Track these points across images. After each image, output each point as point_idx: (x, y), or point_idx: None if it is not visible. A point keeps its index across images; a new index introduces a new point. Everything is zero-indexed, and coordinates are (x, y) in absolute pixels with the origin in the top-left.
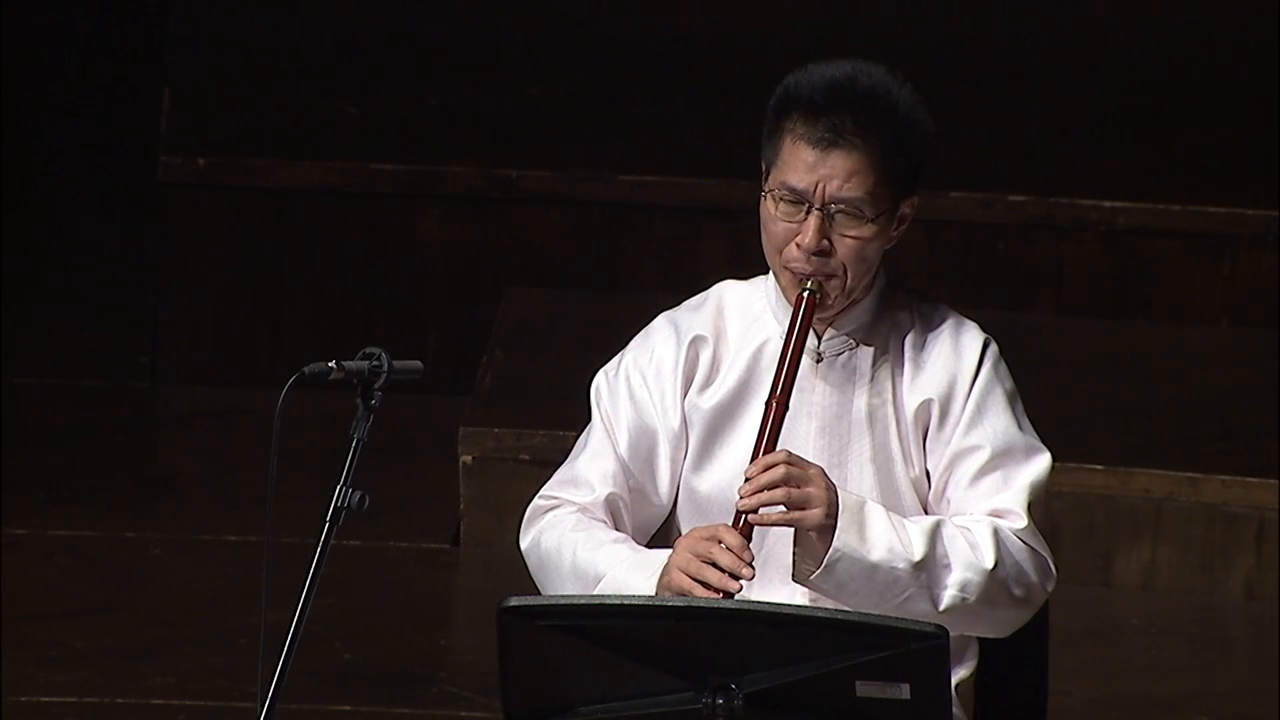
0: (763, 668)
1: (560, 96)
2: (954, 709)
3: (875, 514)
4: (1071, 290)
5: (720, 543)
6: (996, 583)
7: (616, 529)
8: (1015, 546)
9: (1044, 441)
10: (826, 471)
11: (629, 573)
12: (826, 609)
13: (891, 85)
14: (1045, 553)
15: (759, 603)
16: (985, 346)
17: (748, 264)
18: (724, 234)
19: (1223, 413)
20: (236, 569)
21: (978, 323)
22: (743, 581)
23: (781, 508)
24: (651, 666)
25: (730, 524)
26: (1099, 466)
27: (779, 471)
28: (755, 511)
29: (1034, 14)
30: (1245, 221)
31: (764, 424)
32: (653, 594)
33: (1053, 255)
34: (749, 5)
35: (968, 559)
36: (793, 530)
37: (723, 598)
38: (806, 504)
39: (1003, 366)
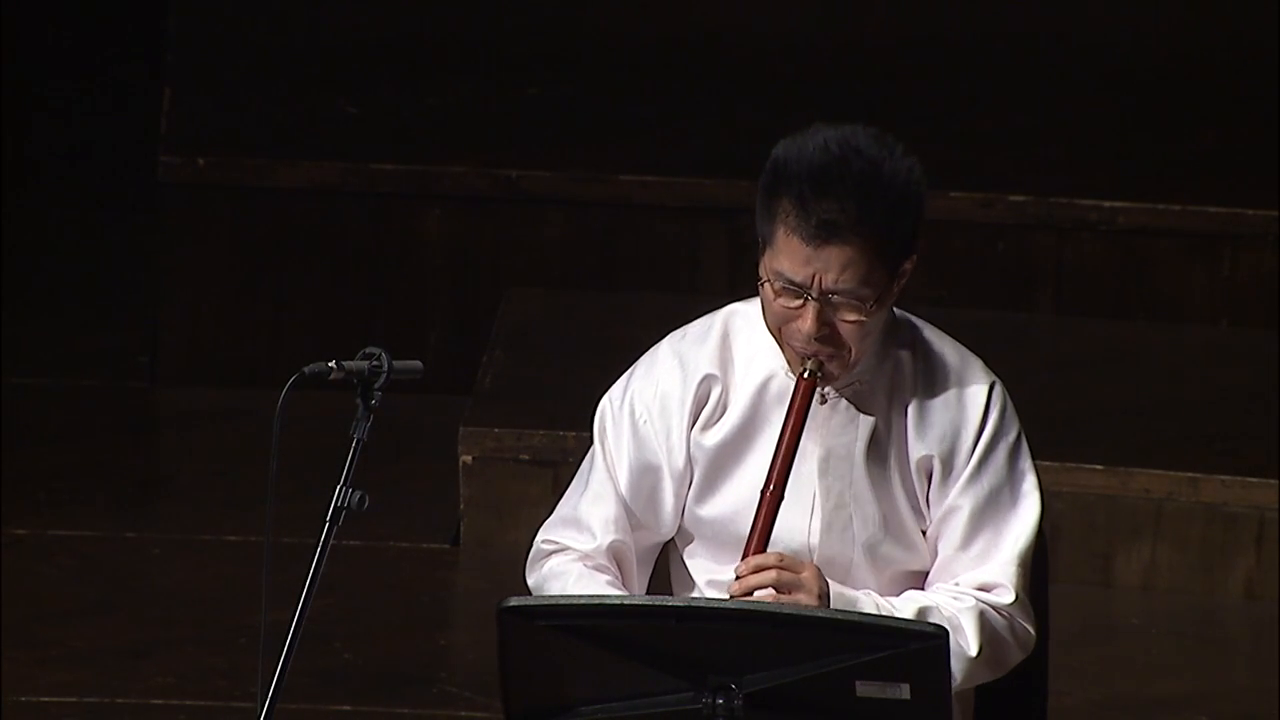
0: (763, 668)
1: (560, 96)
2: (954, 710)
3: (866, 610)
4: (1071, 290)
5: None
6: (978, 666)
7: (621, 573)
8: (999, 625)
9: (1043, 443)
10: (830, 514)
11: None
12: (827, 609)
13: (882, 162)
14: (1029, 624)
15: (759, 602)
16: (990, 393)
17: (747, 264)
18: (724, 234)
19: (1223, 413)
20: (236, 569)
21: (978, 326)
22: None
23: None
24: (651, 666)
25: None
26: (1099, 466)
27: (769, 576)
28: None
29: (1034, 14)
30: (1245, 221)
31: (757, 516)
32: None
33: (1053, 255)
34: (749, 5)
35: (953, 649)
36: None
37: None
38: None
39: (1009, 412)
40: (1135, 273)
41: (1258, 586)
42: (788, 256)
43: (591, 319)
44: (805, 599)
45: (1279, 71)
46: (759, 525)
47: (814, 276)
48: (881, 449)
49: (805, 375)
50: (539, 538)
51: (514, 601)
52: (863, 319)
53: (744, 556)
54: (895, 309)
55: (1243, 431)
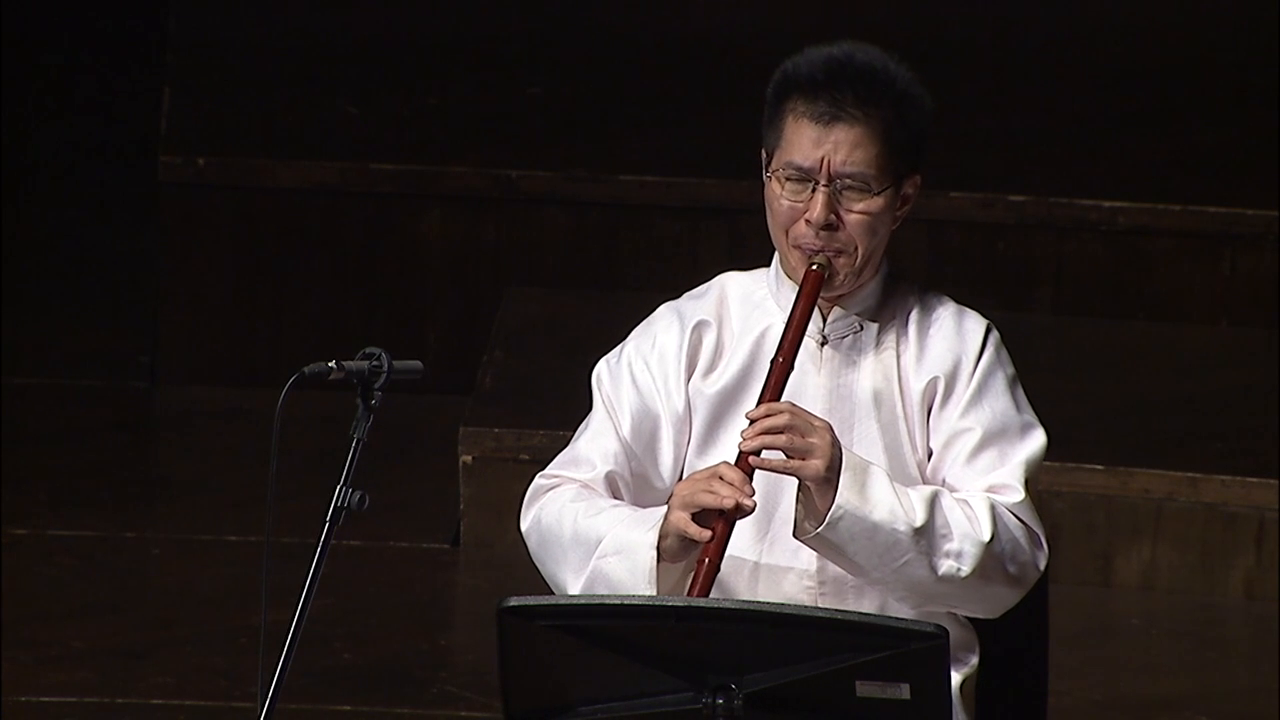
0: (763, 668)
1: (560, 96)
2: (957, 709)
3: (878, 476)
4: (1071, 290)
5: (720, 478)
6: (992, 557)
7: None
8: (1011, 522)
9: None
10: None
11: (629, 529)
12: (826, 609)
13: (888, 61)
14: (1039, 529)
15: (759, 603)
16: (988, 331)
17: (747, 264)
18: (724, 234)
19: (1223, 413)
20: (236, 569)
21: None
22: (747, 563)
23: (783, 455)
24: (651, 666)
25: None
26: (1099, 466)
27: (783, 418)
28: (758, 454)
29: (1034, 14)
30: (1245, 221)
31: (768, 380)
32: (655, 544)
33: (1053, 255)
34: (748, 5)
35: (965, 530)
36: (796, 492)
37: (719, 530)
38: (808, 454)
39: (1004, 352)
40: (1135, 273)
41: (1258, 586)
42: (797, 144)
43: (591, 319)
44: (817, 442)
45: (1279, 71)
46: (769, 387)
47: (823, 159)
48: (883, 388)
49: (813, 268)
50: (535, 479)
51: (514, 601)
52: (870, 208)
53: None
54: (898, 273)
55: (1243, 431)
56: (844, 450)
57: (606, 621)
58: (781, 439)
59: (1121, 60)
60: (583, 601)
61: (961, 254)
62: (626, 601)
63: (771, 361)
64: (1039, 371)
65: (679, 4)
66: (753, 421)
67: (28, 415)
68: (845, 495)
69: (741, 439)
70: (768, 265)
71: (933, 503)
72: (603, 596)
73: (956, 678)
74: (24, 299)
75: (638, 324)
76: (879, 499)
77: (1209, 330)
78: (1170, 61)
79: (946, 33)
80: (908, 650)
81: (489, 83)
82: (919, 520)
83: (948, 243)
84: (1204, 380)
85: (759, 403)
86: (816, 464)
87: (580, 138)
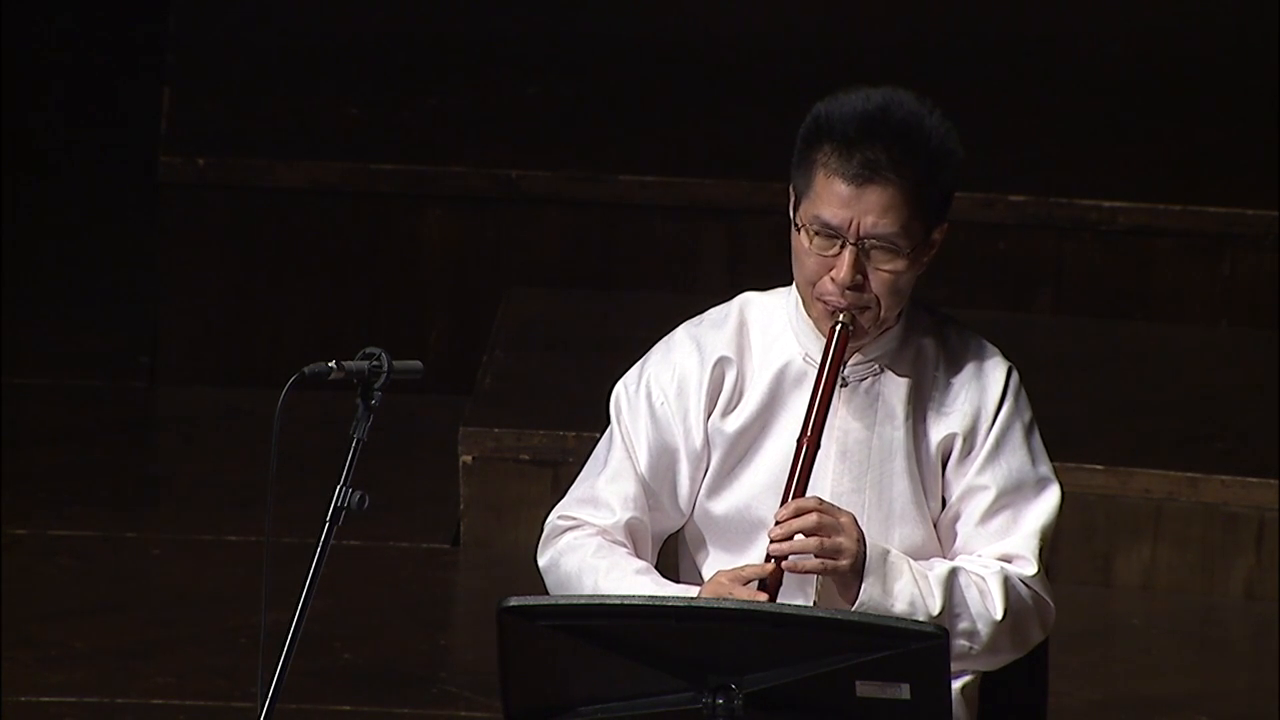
0: (763, 668)
1: (560, 96)
2: (958, 709)
3: (899, 567)
4: (1071, 290)
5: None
6: (1002, 633)
7: (636, 552)
8: (1024, 593)
9: (1045, 441)
10: (846, 498)
11: None
12: (826, 609)
13: (923, 115)
14: (1049, 598)
15: (759, 603)
16: (1008, 377)
17: (746, 264)
18: (723, 234)
19: (1223, 413)
20: (236, 569)
21: (978, 326)
22: None
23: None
24: (651, 666)
25: (760, 559)
26: (1099, 466)
27: (811, 520)
28: (786, 557)
29: (1034, 14)
30: (1245, 221)
31: (795, 463)
32: None
33: (1053, 255)
34: (749, 5)
35: (979, 610)
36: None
37: None
38: (837, 555)
39: (1023, 397)
40: (1135, 273)
41: (1258, 586)
42: (827, 200)
43: (591, 319)
44: (845, 542)
45: (1279, 71)
46: (797, 472)
47: (852, 220)
48: (901, 434)
49: (839, 327)
50: (553, 516)
51: (514, 601)
52: (897, 268)
53: (783, 502)
54: (920, 304)
55: (1243, 431)
56: (868, 545)
57: (606, 621)
58: (812, 543)
59: (1121, 61)
60: (583, 601)
61: (961, 254)
62: (626, 601)
63: (798, 442)
64: (1039, 371)
65: (678, 5)
66: (779, 522)
67: (28, 415)
68: (869, 591)
69: (770, 540)
70: (786, 285)
71: (949, 586)
72: (603, 596)
73: (961, 681)
74: (24, 299)
75: (636, 326)
76: (900, 591)
77: (1209, 330)
78: (1170, 61)
79: (947, 33)
80: (908, 650)
81: (489, 83)
82: (936, 608)
83: (948, 242)
84: (1204, 380)
85: (786, 490)
86: (844, 564)
87: (580, 138)
